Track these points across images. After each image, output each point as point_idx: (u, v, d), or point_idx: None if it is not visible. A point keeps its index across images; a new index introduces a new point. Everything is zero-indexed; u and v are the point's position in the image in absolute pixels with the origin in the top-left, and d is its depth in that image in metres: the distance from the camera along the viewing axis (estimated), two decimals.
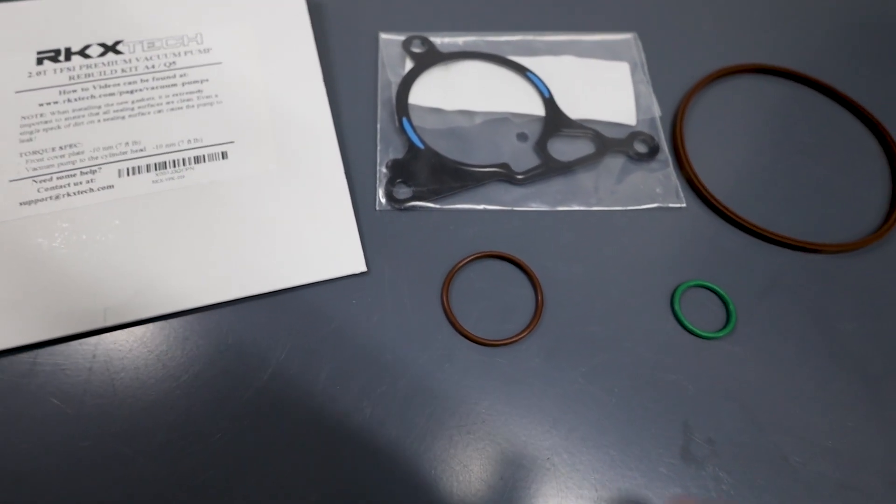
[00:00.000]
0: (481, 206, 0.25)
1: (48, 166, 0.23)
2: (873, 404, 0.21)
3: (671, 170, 0.27)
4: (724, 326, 0.23)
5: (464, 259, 0.23)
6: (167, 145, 0.24)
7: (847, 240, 0.25)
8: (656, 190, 0.26)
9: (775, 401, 0.21)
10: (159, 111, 0.25)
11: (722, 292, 0.23)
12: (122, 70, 0.26)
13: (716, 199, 0.26)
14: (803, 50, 0.32)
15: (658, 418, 0.21)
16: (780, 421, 0.21)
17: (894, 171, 0.28)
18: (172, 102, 0.25)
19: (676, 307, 0.23)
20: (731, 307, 0.23)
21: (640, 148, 0.27)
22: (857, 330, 0.23)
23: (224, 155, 0.24)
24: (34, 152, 0.23)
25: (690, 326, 0.22)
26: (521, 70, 0.29)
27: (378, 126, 0.27)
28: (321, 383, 0.21)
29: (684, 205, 0.26)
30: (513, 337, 0.22)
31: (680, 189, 0.26)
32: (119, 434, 0.19)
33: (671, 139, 0.28)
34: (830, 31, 0.33)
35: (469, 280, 0.23)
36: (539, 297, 0.23)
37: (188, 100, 0.26)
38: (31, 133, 0.24)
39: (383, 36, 0.30)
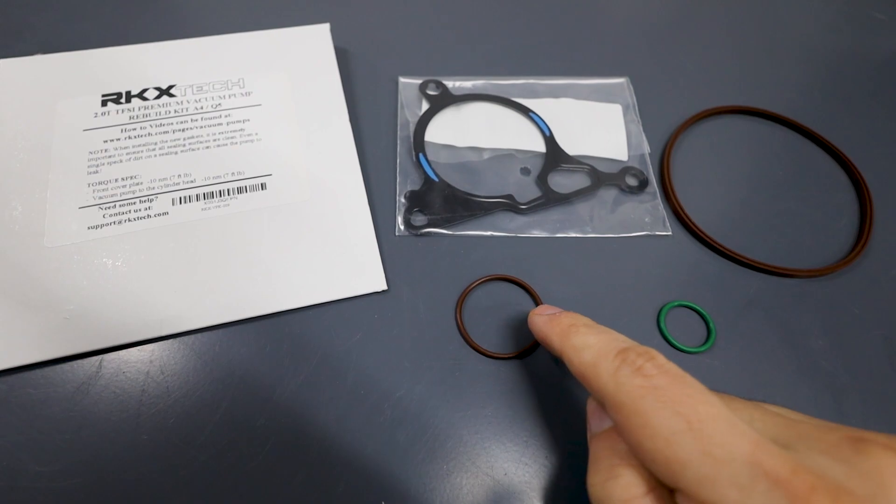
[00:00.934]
0: (488, 233, 0.28)
1: (112, 195, 0.27)
2: (838, 413, 0.24)
3: (659, 201, 0.30)
4: (705, 342, 0.25)
5: (475, 281, 0.26)
6: (214, 177, 0.28)
7: (818, 265, 0.28)
8: (645, 219, 0.29)
9: None
10: (207, 147, 0.29)
11: (703, 312, 0.26)
12: (175, 111, 0.30)
13: (699, 228, 0.29)
14: (779, 93, 0.35)
15: None
16: None
17: (862, 204, 0.31)
18: (218, 140, 0.29)
19: (662, 325, 0.26)
20: (712, 325, 0.26)
21: (631, 181, 0.30)
22: (824, 347, 0.26)
23: (263, 186, 0.28)
24: (100, 183, 0.27)
25: (674, 342, 0.25)
26: (525, 111, 0.33)
27: (397, 160, 0.30)
28: (348, 386, 0.23)
29: (670, 233, 0.29)
30: (518, 351, 0.25)
31: (666, 219, 0.29)
32: (173, 429, 0.22)
33: (659, 173, 0.31)
34: (803, 75, 0.37)
35: (479, 299, 0.26)
36: None
37: (232, 137, 0.29)
38: (98, 166, 0.27)
39: (402, 80, 0.34)
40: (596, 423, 0.18)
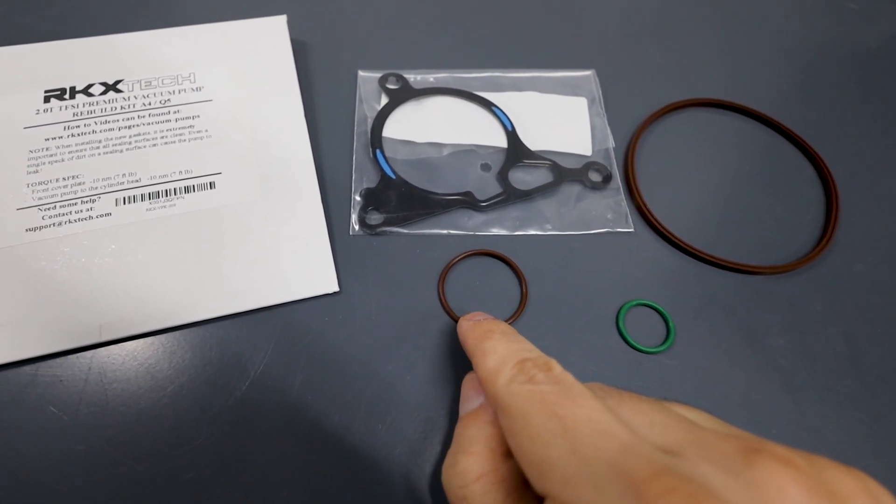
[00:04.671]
0: (446, 231, 0.27)
1: (52, 196, 0.26)
2: (796, 412, 0.23)
3: (622, 197, 0.29)
4: (664, 342, 0.25)
5: (459, 255, 0.26)
6: (160, 176, 0.27)
7: (782, 262, 0.28)
8: (607, 216, 0.29)
9: (706, 410, 0.23)
10: (154, 145, 0.28)
11: (663, 311, 0.26)
12: (122, 107, 0.29)
13: (661, 225, 0.28)
14: (748, 85, 0.35)
15: None
16: None
17: (828, 198, 0.30)
18: (166, 137, 0.28)
19: (621, 324, 0.25)
20: (671, 324, 0.25)
21: (595, 177, 0.30)
22: (784, 345, 0.25)
23: (212, 185, 0.27)
24: (40, 183, 0.26)
25: (633, 342, 0.25)
26: (488, 105, 0.32)
27: (354, 157, 0.30)
28: (295, 392, 0.23)
29: (633, 230, 0.28)
30: None
31: (629, 215, 0.29)
32: (111, 439, 0.21)
33: (623, 169, 0.30)
34: (770, 67, 0.36)
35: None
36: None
37: (181, 134, 0.28)
38: (38, 165, 0.26)
39: (361, 73, 0.33)
40: (464, 405, 0.19)
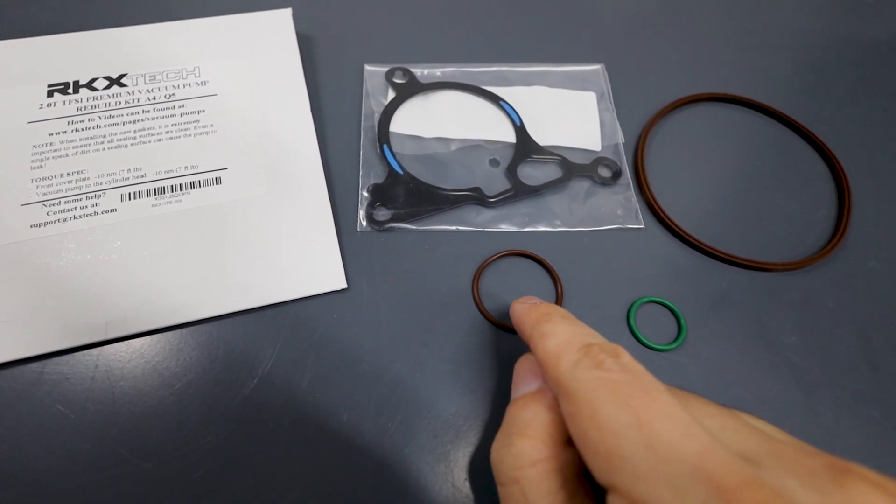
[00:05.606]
0: (454, 227, 0.27)
1: (57, 191, 0.25)
2: (810, 411, 0.23)
3: (632, 193, 0.29)
4: (675, 339, 0.25)
5: (494, 255, 0.25)
6: (166, 172, 0.26)
7: (794, 258, 0.27)
8: (617, 212, 0.28)
9: None
10: (159, 140, 0.27)
11: (674, 308, 0.25)
12: (126, 101, 0.28)
13: (672, 221, 0.28)
14: (759, 80, 0.34)
15: None
16: None
17: (841, 194, 0.30)
18: (171, 132, 0.28)
19: (632, 322, 0.25)
20: (683, 322, 0.25)
21: (604, 172, 0.29)
22: (797, 342, 0.25)
23: (218, 180, 0.27)
24: (44, 178, 0.26)
25: (644, 339, 0.24)
26: (496, 99, 0.31)
27: (361, 152, 0.29)
28: (303, 390, 0.23)
29: (643, 226, 0.28)
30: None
31: (639, 211, 0.28)
32: (117, 437, 0.21)
33: (633, 164, 0.30)
34: (782, 62, 0.36)
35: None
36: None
37: (186, 129, 0.28)
38: (42, 161, 0.26)
39: (368, 67, 0.32)
40: (518, 387, 0.18)
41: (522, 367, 0.18)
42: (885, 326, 0.25)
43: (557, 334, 0.16)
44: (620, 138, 0.31)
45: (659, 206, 0.28)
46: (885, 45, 0.37)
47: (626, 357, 0.15)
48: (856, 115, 0.33)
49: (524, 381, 0.18)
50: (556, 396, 0.16)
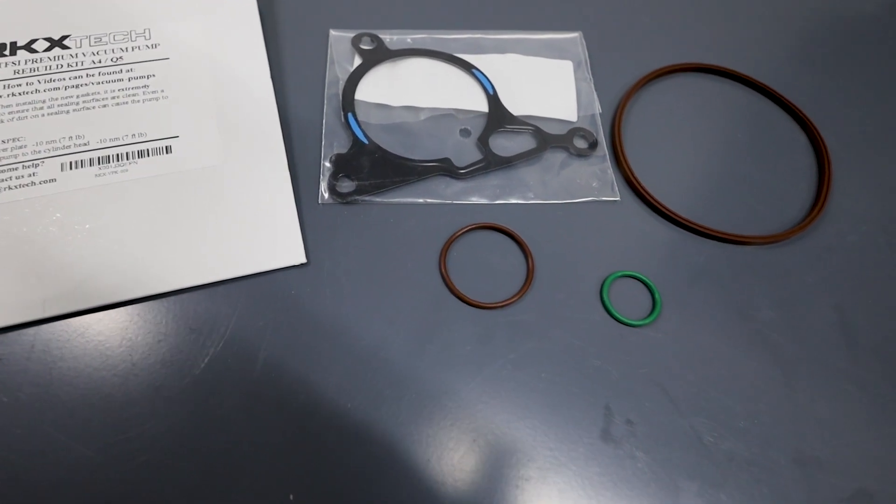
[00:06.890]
0: (422, 200, 0.26)
1: None
2: (786, 387, 0.23)
3: (608, 165, 0.28)
4: (649, 315, 0.24)
5: (462, 228, 0.24)
6: (111, 139, 0.25)
7: (773, 232, 0.27)
8: (593, 184, 0.27)
9: (693, 384, 0.22)
10: (104, 106, 0.25)
11: (649, 282, 0.24)
12: (68, 65, 0.26)
13: (648, 194, 0.27)
14: (740, 50, 0.33)
15: (581, 402, 0.22)
16: (697, 403, 0.22)
17: (821, 167, 0.29)
18: (118, 97, 0.26)
19: (605, 296, 0.24)
20: (657, 296, 0.24)
21: (580, 143, 0.28)
22: (775, 318, 0.24)
23: (168, 149, 0.25)
24: None
25: (617, 315, 0.23)
26: (468, 67, 0.30)
27: (324, 121, 0.28)
28: (257, 370, 0.21)
29: (619, 199, 0.27)
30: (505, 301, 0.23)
31: (615, 183, 0.27)
32: (54, 421, 0.20)
33: (610, 135, 0.29)
34: (764, 32, 0.34)
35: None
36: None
37: (134, 95, 0.26)
38: None
39: (333, 33, 0.31)
40: None
41: None
42: (863, 301, 0.25)
43: None
44: (597, 109, 0.29)
45: (635, 179, 0.27)
46: (870, 16, 0.36)
47: None
48: (838, 88, 0.32)
49: None
50: None
